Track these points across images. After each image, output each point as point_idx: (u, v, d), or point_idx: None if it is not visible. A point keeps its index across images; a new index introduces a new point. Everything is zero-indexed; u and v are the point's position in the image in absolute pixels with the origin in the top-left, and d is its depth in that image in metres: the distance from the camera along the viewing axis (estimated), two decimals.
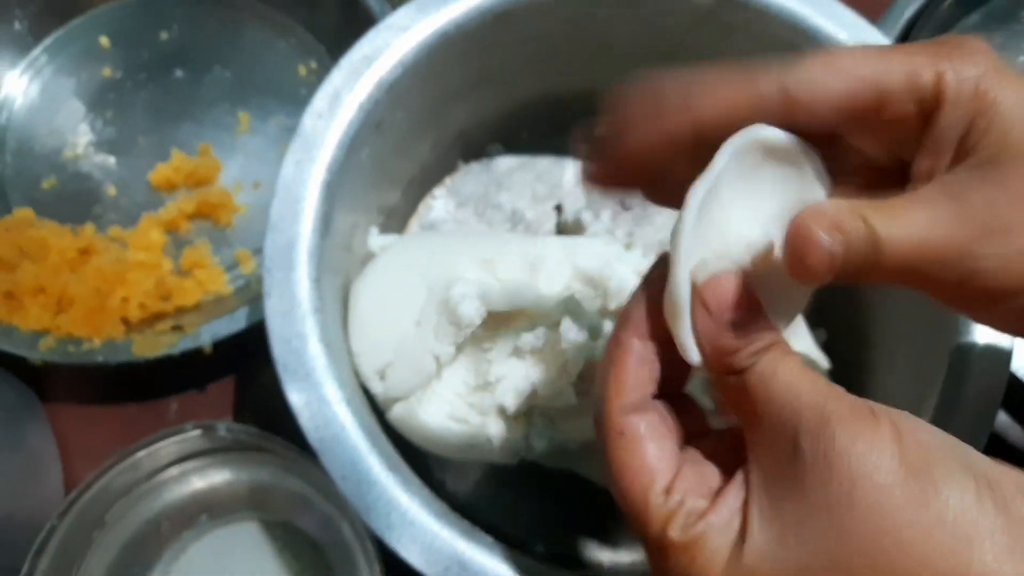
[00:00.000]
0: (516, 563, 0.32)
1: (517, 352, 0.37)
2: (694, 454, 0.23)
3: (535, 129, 0.52)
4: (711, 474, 0.23)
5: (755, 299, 0.22)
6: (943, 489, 0.18)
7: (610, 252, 0.41)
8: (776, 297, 0.23)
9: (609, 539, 0.44)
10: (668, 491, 0.22)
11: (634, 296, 0.24)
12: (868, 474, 0.18)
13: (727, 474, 0.22)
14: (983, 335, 0.35)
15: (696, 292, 0.22)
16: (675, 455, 0.23)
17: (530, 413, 0.38)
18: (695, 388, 0.27)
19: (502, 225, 0.50)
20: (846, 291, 0.44)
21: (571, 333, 0.36)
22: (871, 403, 0.20)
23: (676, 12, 0.42)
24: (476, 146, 0.51)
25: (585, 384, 0.38)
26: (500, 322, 0.38)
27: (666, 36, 0.44)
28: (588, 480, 0.43)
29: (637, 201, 0.51)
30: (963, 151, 0.22)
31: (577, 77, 0.48)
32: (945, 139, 0.22)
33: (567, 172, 0.52)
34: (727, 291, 0.22)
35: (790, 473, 0.19)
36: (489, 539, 0.33)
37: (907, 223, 0.21)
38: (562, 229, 0.51)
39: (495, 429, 0.38)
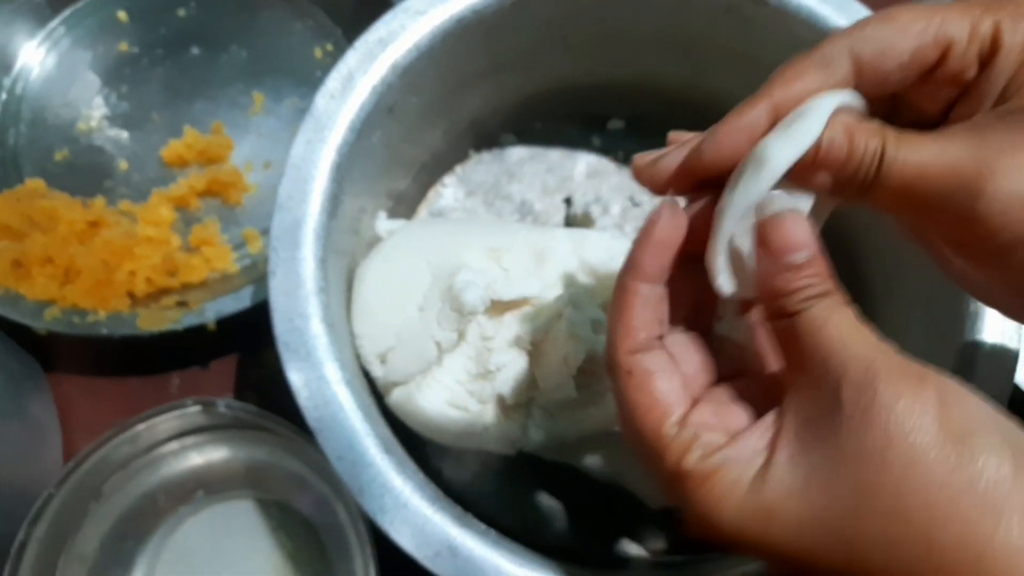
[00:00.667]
0: (507, 550, 0.32)
1: (519, 342, 0.37)
2: (720, 394, 0.24)
3: (549, 120, 0.52)
4: (734, 413, 0.23)
5: (816, 243, 0.22)
6: (979, 457, 0.18)
7: (617, 246, 0.40)
8: None
9: (605, 534, 0.44)
10: (682, 423, 0.22)
11: (638, 241, 0.24)
12: (905, 433, 0.19)
13: (757, 415, 0.23)
14: (989, 341, 0.34)
15: (761, 227, 0.22)
16: (686, 391, 0.23)
17: (529, 404, 0.38)
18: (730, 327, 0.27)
19: (511, 215, 0.50)
20: (854, 289, 0.44)
21: (574, 326, 0.36)
22: (921, 365, 0.20)
23: (694, 6, 0.42)
24: (488, 135, 0.51)
25: (585, 378, 0.38)
26: (503, 311, 0.38)
27: (684, 29, 0.44)
28: (585, 474, 0.43)
29: (647, 197, 0.51)
30: (1004, 97, 0.23)
31: (593, 67, 0.48)
32: (992, 85, 0.23)
33: (578, 165, 0.51)
34: (790, 231, 0.22)
35: (827, 421, 0.20)
36: (481, 526, 0.33)
37: (917, 148, 0.22)
38: (571, 222, 0.50)
39: (493, 418, 0.37)
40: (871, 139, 0.22)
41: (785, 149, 0.22)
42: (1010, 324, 0.35)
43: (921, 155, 0.22)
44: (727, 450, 0.21)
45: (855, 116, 0.23)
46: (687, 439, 0.22)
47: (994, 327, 0.35)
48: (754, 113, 0.23)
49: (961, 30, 0.22)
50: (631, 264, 0.24)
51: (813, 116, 0.22)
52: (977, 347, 0.35)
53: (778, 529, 0.20)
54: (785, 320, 0.21)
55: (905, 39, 0.23)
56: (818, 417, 0.20)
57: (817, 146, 0.22)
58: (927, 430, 0.18)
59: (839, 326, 0.21)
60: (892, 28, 0.23)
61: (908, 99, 0.25)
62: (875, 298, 0.43)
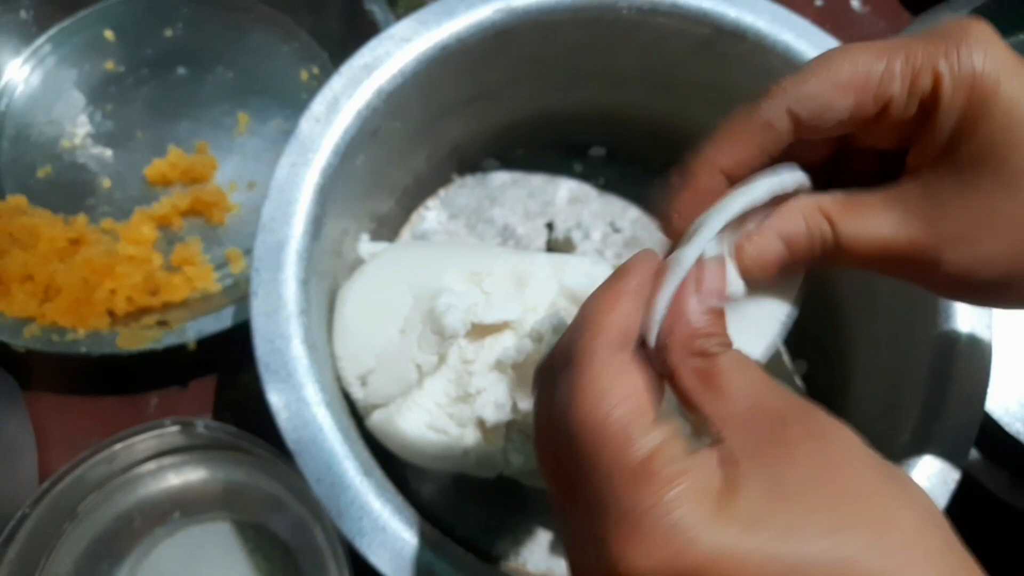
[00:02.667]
0: (484, 574, 0.32)
1: (499, 366, 0.38)
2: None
3: (530, 146, 0.53)
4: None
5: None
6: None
7: (597, 272, 0.41)
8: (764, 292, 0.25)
9: None
10: (655, 423, 0.20)
11: (636, 258, 0.24)
12: (857, 447, 0.20)
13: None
14: (960, 370, 0.35)
15: (701, 268, 0.23)
16: (657, 399, 0.22)
17: (509, 427, 0.39)
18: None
19: (493, 239, 0.51)
20: (828, 322, 0.45)
21: None
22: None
23: (673, 41, 0.43)
24: (471, 160, 0.52)
25: None
26: (484, 335, 0.38)
27: (663, 63, 0.45)
28: None
29: (627, 223, 0.51)
30: (951, 146, 0.23)
31: (575, 97, 0.49)
32: (939, 133, 0.23)
33: (560, 190, 0.52)
34: (726, 279, 0.23)
35: (777, 442, 0.20)
36: (460, 550, 0.33)
37: (873, 225, 0.23)
38: (552, 246, 0.51)
39: (473, 441, 0.38)
40: (820, 221, 0.24)
41: (716, 221, 0.24)
42: (980, 353, 0.36)
43: (872, 231, 0.23)
44: (696, 457, 0.20)
45: (804, 199, 0.25)
46: (660, 438, 0.20)
47: (965, 355, 0.36)
48: (708, 181, 0.25)
49: (899, 86, 0.23)
50: (626, 271, 0.23)
51: (749, 197, 0.24)
52: (948, 376, 0.35)
53: (764, 538, 0.18)
54: (700, 360, 0.22)
55: (843, 98, 0.23)
56: (766, 439, 0.20)
57: (787, 241, 0.24)
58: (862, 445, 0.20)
59: (758, 370, 0.22)
60: (830, 85, 0.23)
61: (859, 141, 0.25)
62: (852, 327, 0.44)
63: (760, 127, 0.24)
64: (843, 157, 0.26)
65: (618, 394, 0.20)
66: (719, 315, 0.23)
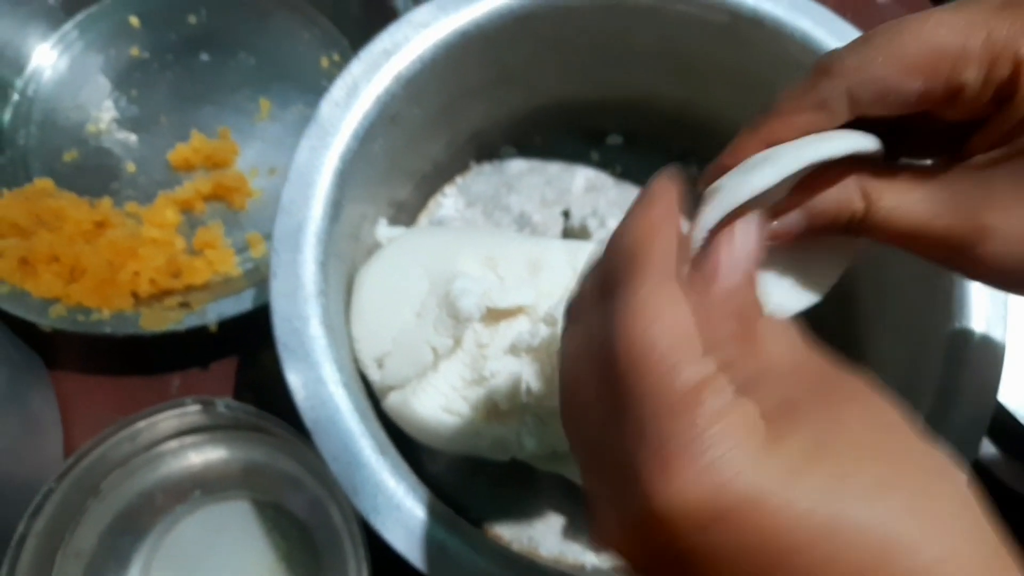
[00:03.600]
0: (496, 554, 0.32)
1: (513, 350, 0.38)
2: None
3: (548, 134, 0.53)
4: None
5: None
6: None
7: None
8: (812, 263, 0.24)
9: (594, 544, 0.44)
10: (704, 356, 0.19)
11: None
12: (900, 415, 0.19)
13: None
14: (974, 360, 0.35)
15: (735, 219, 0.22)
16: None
17: (523, 411, 0.39)
18: None
19: (509, 226, 0.51)
20: (842, 313, 0.45)
21: None
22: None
23: (693, 27, 0.43)
24: (489, 147, 0.52)
25: None
26: (499, 319, 0.39)
27: (683, 49, 0.45)
28: (576, 484, 0.43)
29: None
30: (1015, 133, 0.21)
31: (593, 84, 0.49)
32: (1010, 121, 0.21)
33: (577, 178, 0.52)
34: (754, 240, 0.22)
35: (821, 400, 0.19)
36: (472, 529, 0.33)
37: (911, 205, 0.22)
38: (568, 234, 0.51)
39: (487, 424, 0.38)
40: (853, 200, 0.22)
41: (742, 188, 0.22)
42: (994, 344, 0.36)
43: (909, 213, 0.22)
44: (739, 399, 0.18)
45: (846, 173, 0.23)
46: (709, 370, 0.18)
47: (979, 346, 0.36)
48: (754, 149, 0.24)
49: (977, 74, 0.20)
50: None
51: (783, 165, 0.22)
52: (962, 366, 0.36)
53: (806, 488, 0.17)
54: (744, 321, 0.21)
55: (910, 82, 0.21)
56: (806, 401, 0.19)
57: (810, 215, 0.23)
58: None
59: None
60: (896, 68, 0.21)
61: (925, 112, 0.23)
62: (866, 318, 0.44)
63: (815, 106, 0.23)
64: (908, 124, 0.24)
65: (668, 321, 0.19)
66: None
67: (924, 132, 0.24)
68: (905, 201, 0.22)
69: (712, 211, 0.22)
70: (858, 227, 0.23)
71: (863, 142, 0.23)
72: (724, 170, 0.24)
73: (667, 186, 0.21)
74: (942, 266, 0.23)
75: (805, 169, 0.22)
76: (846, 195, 0.23)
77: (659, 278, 0.19)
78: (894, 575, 0.16)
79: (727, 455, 0.17)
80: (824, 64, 0.23)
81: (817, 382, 0.19)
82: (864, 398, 0.19)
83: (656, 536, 0.17)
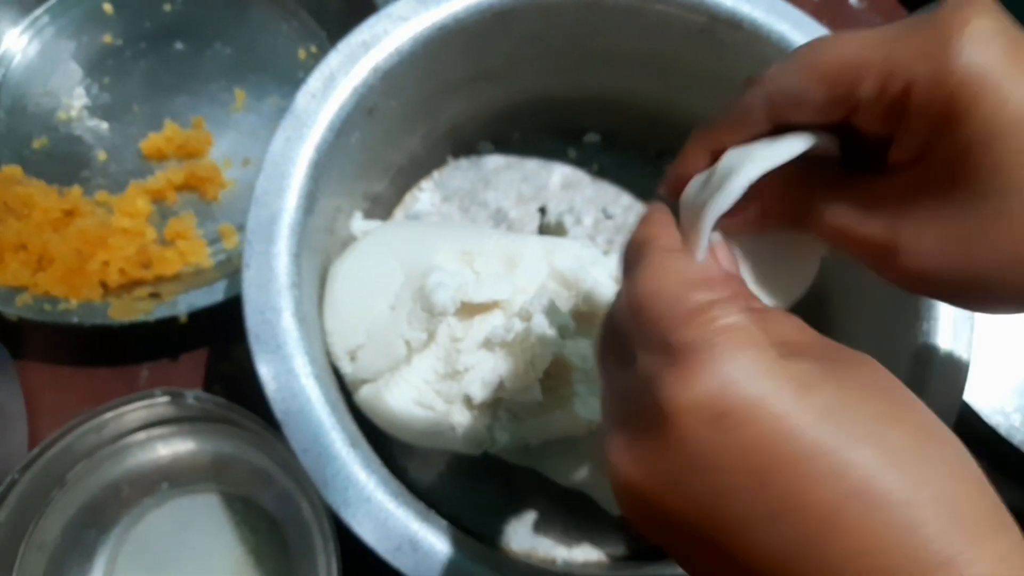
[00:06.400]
0: (467, 546, 0.32)
1: (487, 344, 0.38)
2: None
3: (526, 130, 0.53)
4: None
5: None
6: None
7: (586, 255, 0.41)
8: (781, 269, 0.25)
9: (565, 538, 0.44)
10: (719, 287, 0.21)
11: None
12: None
13: None
14: (941, 359, 0.36)
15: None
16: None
17: (496, 405, 0.39)
18: None
19: (486, 222, 0.51)
20: (812, 311, 0.45)
21: (542, 329, 0.37)
22: None
23: (672, 27, 0.43)
24: (466, 142, 0.52)
25: (551, 381, 0.39)
26: (473, 313, 0.39)
27: (662, 49, 0.45)
28: (549, 479, 0.43)
29: (619, 210, 0.52)
30: (928, 147, 0.21)
31: (571, 82, 0.49)
32: (913, 137, 0.21)
33: (554, 175, 0.52)
34: (728, 259, 0.24)
35: (830, 356, 0.20)
36: (443, 522, 0.33)
37: (839, 212, 0.23)
38: (544, 230, 0.51)
39: (459, 418, 0.38)
40: (799, 196, 0.24)
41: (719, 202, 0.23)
42: (961, 342, 0.36)
43: (837, 218, 0.23)
44: (751, 320, 0.19)
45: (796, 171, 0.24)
46: (723, 294, 0.20)
47: (946, 345, 0.36)
48: (697, 163, 0.26)
49: (871, 88, 0.21)
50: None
51: (737, 182, 0.23)
52: (929, 365, 0.36)
53: (814, 404, 0.18)
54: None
55: (817, 90, 0.22)
56: (815, 353, 0.20)
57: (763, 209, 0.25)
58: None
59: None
60: (807, 76, 0.22)
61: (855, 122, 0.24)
62: (836, 320, 0.44)
63: (742, 112, 0.24)
64: (850, 134, 0.25)
65: (677, 266, 0.22)
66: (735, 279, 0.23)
67: (862, 143, 0.25)
68: (835, 208, 0.23)
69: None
70: (802, 224, 0.24)
71: (799, 144, 0.24)
72: (678, 179, 0.26)
73: (662, 206, 0.25)
74: (871, 270, 0.24)
75: (759, 177, 0.23)
76: (791, 195, 0.24)
77: (666, 249, 0.22)
78: (891, 507, 0.16)
79: (736, 359, 0.18)
80: (754, 76, 0.24)
81: (824, 346, 0.20)
82: (873, 366, 0.20)
83: (669, 438, 0.19)
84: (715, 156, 0.25)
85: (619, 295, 0.24)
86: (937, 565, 0.16)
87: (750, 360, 0.18)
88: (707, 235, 0.23)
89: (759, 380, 0.18)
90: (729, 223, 0.24)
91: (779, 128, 0.24)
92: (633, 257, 0.23)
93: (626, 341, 0.22)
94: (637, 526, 0.21)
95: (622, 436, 0.21)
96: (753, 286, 0.25)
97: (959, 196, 0.21)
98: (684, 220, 0.25)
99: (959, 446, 0.18)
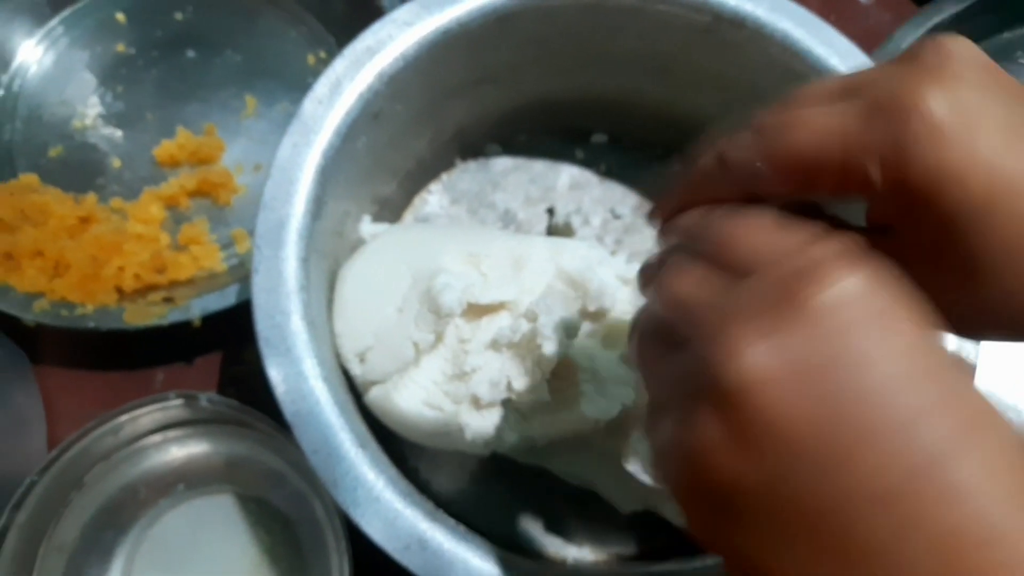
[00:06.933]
0: (476, 545, 0.33)
1: (495, 345, 0.38)
2: None
3: (533, 132, 0.53)
4: None
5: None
6: None
7: (594, 256, 0.42)
8: None
9: (575, 537, 0.45)
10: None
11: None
12: None
13: None
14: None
15: None
16: None
17: (504, 406, 0.39)
18: None
19: (494, 224, 0.51)
20: None
21: (548, 330, 0.37)
22: None
23: (676, 27, 0.43)
24: (474, 145, 0.52)
25: (559, 381, 0.39)
26: (480, 315, 0.39)
27: (666, 49, 0.45)
28: (557, 478, 0.44)
29: (627, 210, 0.52)
30: (916, 228, 0.21)
31: (576, 83, 0.49)
32: (884, 217, 0.22)
33: (561, 176, 0.53)
34: None
35: None
36: (452, 521, 0.34)
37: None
38: (552, 232, 0.52)
39: (468, 418, 0.38)
40: None
41: None
42: (968, 340, 0.36)
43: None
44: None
45: None
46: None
47: (953, 343, 0.36)
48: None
49: (830, 184, 0.21)
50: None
51: None
52: None
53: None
54: None
55: (774, 178, 0.22)
56: None
57: None
58: None
59: None
60: (762, 163, 0.22)
61: None
62: None
63: (700, 179, 0.25)
64: None
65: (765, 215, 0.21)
66: None
67: None
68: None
69: None
70: None
71: None
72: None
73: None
74: None
75: None
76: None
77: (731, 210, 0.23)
78: (938, 485, 0.16)
79: (878, 269, 0.18)
80: (720, 150, 0.24)
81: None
82: None
83: (813, 332, 0.17)
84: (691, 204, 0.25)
85: (652, 295, 0.23)
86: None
87: (891, 276, 0.18)
88: None
89: (904, 292, 0.18)
90: None
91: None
92: (692, 221, 0.24)
93: (678, 327, 0.21)
94: (713, 462, 0.18)
95: (733, 333, 0.18)
96: None
97: (947, 263, 0.21)
98: None
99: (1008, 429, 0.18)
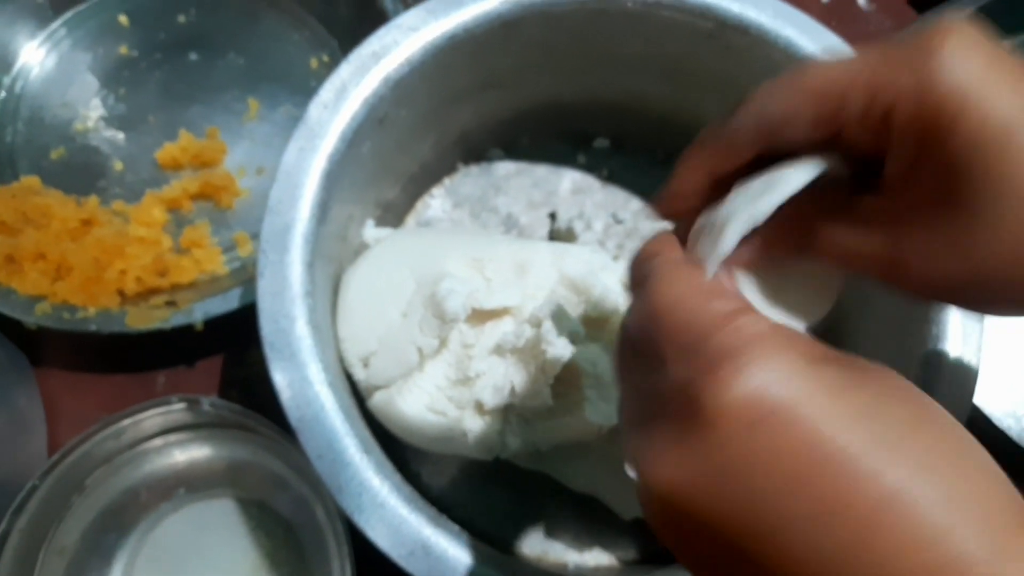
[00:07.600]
0: (479, 552, 0.33)
1: (498, 350, 0.38)
2: None
3: (536, 136, 0.53)
4: None
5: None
6: None
7: (596, 261, 0.42)
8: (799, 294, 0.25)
9: (577, 542, 0.45)
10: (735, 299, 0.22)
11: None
12: None
13: None
14: (950, 362, 0.36)
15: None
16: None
17: (507, 411, 0.39)
18: None
19: (497, 228, 0.51)
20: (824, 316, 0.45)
21: (552, 335, 0.37)
22: None
23: (679, 33, 0.43)
24: (477, 149, 0.52)
25: (562, 387, 0.39)
26: (484, 320, 0.39)
27: (669, 55, 0.45)
28: (560, 483, 0.44)
29: (629, 215, 0.52)
30: (918, 163, 0.21)
31: (580, 88, 0.49)
32: (901, 153, 0.22)
33: (564, 181, 0.53)
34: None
35: (850, 364, 0.20)
36: (455, 527, 0.34)
37: (841, 235, 0.23)
38: (555, 236, 0.52)
39: (471, 423, 0.38)
40: (799, 229, 0.24)
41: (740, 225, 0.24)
42: (971, 346, 0.36)
43: (840, 241, 0.23)
44: (780, 329, 0.20)
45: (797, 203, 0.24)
46: (742, 304, 0.21)
47: (955, 349, 0.36)
48: (687, 185, 0.26)
49: (855, 109, 0.22)
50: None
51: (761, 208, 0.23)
52: (939, 369, 0.36)
53: (848, 406, 0.18)
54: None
55: (805, 109, 0.22)
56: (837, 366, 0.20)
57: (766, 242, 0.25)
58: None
59: None
60: (795, 96, 0.23)
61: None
62: (841, 316, 0.44)
63: (730, 135, 0.24)
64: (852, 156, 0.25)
65: (692, 280, 0.22)
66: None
67: (856, 164, 0.25)
68: (837, 228, 0.24)
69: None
70: (807, 251, 0.25)
71: (814, 168, 0.23)
72: (671, 198, 0.27)
73: (668, 235, 0.26)
74: (882, 286, 0.24)
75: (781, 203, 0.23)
76: (792, 224, 0.24)
77: (677, 261, 0.24)
78: (926, 509, 0.17)
79: (771, 364, 0.19)
80: (742, 99, 0.25)
81: (841, 356, 0.20)
82: (893, 374, 0.20)
83: (709, 441, 0.19)
84: (707, 176, 0.26)
85: (631, 307, 0.24)
86: (972, 565, 0.16)
87: (785, 364, 0.19)
88: (719, 257, 0.23)
89: (795, 383, 0.18)
90: (735, 255, 0.24)
91: (766, 152, 0.24)
92: (643, 269, 0.24)
93: (646, 348, 0.22)
94: (662, 534, 0.21)
95: (655, 440, 0.20)
96: (769, 310, 0.25)
97: (954, 207, 0.21)
98: (692, 248, 0.25)
99: (982, 449, 0.19)
